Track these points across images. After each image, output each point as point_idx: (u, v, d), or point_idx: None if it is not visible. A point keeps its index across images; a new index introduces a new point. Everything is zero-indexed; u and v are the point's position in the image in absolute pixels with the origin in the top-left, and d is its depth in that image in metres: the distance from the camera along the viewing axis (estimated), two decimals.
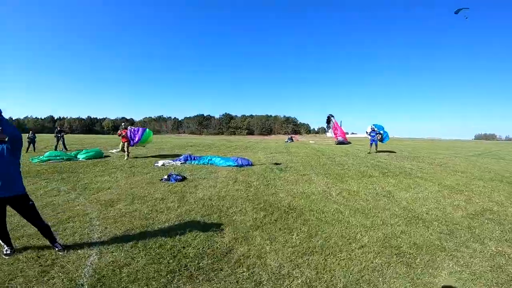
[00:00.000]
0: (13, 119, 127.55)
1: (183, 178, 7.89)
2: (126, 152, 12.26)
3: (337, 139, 28.50)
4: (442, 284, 2.93)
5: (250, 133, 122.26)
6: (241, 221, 4.54)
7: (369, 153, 16.69)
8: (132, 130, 12.80)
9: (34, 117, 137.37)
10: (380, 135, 17.25)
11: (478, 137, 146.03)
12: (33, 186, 6.88)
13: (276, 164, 10.76)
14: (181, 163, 10.80)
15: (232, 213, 4.96)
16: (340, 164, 11.22)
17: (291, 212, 5.03)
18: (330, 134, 32.09)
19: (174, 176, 7.76)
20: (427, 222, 4.81)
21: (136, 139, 12.59)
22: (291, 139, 33.22)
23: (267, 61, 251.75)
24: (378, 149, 17.87)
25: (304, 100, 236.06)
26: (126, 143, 12.35)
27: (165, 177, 7.80)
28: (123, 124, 13.24)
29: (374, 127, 17.28)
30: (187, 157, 11.33)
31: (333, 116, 30.74)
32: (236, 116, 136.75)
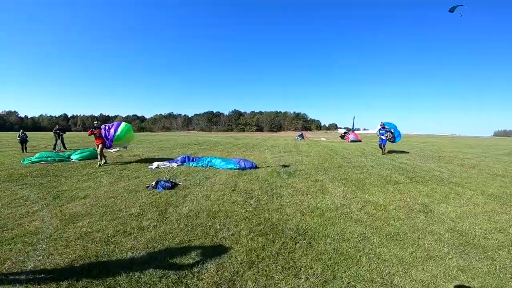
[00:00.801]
0: (28, 117, 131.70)
1: (173, 185, 6.77)
2: (101, 157, 10.04)
3: (348, 140, 27.40)
4: None
5: (260, 129, 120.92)
6: (230, 254, 3.33)
7: (383, 154, 14.31)
8: (106, 127, 10.75)
9: (48, 115, 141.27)
10: (391, 134, 14.34)
11: (497, 134, 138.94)
12: (1, 193, 5.97)
13: (284, 166, 9.48)
14: (177, 165, 9.72)
15: (221, 239, 3.76)
16: (358, 167, 9.81)
17: (300, 239, 3.77)
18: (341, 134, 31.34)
19: (162, 182, 6.64)
20: (490, 251, 3.49)
21: (111, 133, 10.49)
22: (301, 136, 31.76)
23: (277, 57, 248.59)
24: (386, 151, 14.85)
25: (315, 95, 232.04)
26: (101, 145, 10.00)
27: (153, 184, 6.70)
28: (95, 123, 11.04)
29: (384, 124, 14.60)
30: (185, 158, 10.22)
31: (347, 132, 33.03)
32: (245, 112, 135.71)
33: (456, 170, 9.87)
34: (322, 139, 32.86)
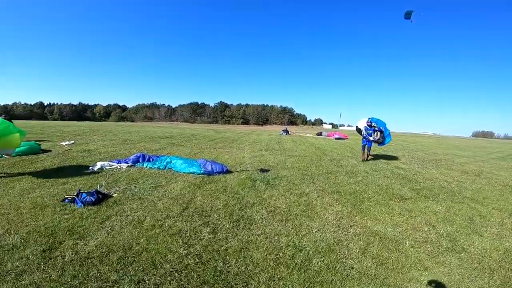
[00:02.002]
0: (1, 105, 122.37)
1: (102, 198, 4.83)
2: None
3: (333, 136, 26.12)
4: None
5: (245, 122, 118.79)
6: None
7: (364, 160, 10.78)
8: None
9: (23, 103, 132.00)
10: (379, 134, 10.69)
11: (476, 134, 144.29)
12: None
13: (263, 171, 7.65)
14: (127, 167, 7.68)
15: None
16: (351, 173, 8.15)
17: None
18: (324, 134, 29.97)
19: (83, 195, 4.66)
20: None
21: None
22: (286, 131, 30.08)
23: (265, 50, 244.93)
24: (369, 155, 11.35)
25: (301, 90, 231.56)
26: None
27: (73, 195, 4.73)
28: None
29: (372, 121, 10.77)
30: (139, 157, 8.17)
31: (322, 132, 32.96)
32: (231, 104, 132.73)
33: (463, 179, 8.46)
34: (307, 135, 31.42)
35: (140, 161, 8.08)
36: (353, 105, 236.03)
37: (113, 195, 5.28)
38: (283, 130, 30.71)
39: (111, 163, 7.86)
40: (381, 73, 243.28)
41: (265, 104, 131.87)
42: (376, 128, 10.74)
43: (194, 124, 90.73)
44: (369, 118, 10.94)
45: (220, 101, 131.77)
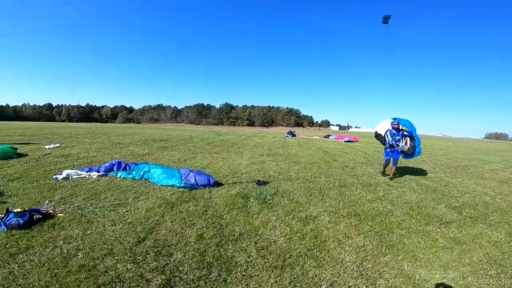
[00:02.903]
0: (10, 106, 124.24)
1: (40, 219, 3.59)
2: None
3: (343, 139, 24.51)
4: None
5: (251, 124, 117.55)
6: None
7: (387, 175, 7.81)
8: None
9: (32, 104, 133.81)
10: (410, 142, 7.50)
11: (489, 136, 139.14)
12: None
13: (260, 183, 6.20)
14: (98, 176, 6.38)
15: None
16: (369, 186, 6.64)
17: None
18: (333, 137, 28.19)
19: (11, 216, 3.41)
20: None
21: None
22: (292, 134, 28.53)
23: (271, 51, 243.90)
24: (396, 170, 7.89)
25: (308, 91, 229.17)
26: None
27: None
28: None
29: (400, 123, 7.59)
30: (114, 165, 6.86)
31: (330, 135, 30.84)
32: (237, 106, 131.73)
33: (505, 191, 6.89)
34: (315, 137, 29.78)
35: (115, 169, 6.77)
36: (360, 106, 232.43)
37: (59, 214, 4.03)
38: (288, 133, 29.24)
39: (79, 172, 6.56)
40: (388, 73, 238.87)
41: (271, 106, 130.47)
42: (406, 133, 7.44)
43: (199, 126, 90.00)
44: (394, 119, 7.64)
45: (226, 103, 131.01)
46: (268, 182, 6.26)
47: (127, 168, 6.93)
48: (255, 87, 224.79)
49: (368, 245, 3.62)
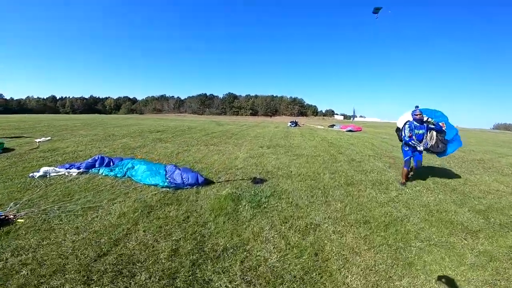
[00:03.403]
0: (14, 99, 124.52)
1: None
2: None
3: (345, 129, 23.59)
4: None
5: (254, 113, 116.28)
6: None
7: (404, 183, 5.94)
8: None
9: (36, 97, 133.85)
10: (437, 136, 5.88)
11: (498, 127, 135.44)
12: None
13: (256, 181, 5.50)
14: (78, 173, 5.78)
15: None
16: (380, 184, 5.89)
17: None
18: (337, 127, 26.95)
19: None
20: None
21: None
22: (295, 123, 27.61)
23: (274, 40, 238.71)
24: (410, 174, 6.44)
25: (312, 80, 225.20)
26: None
27: None
28: None
29: (423, 113, 5.82)
30: (96, 161, 6.24)
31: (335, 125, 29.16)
32: (240, 96, 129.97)
33: None
34: (318, 127, 28.81)
35: (97, 165, 6.16)
36: (365, 96, 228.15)
37: (19, 220, 3.48)
38: (291, 122, 28.29)
39: (58, 169, 5.96)
40: (393, 62, 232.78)
41: (274, 95, 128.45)
42: (432, 125, 5.77)
43: (202, 116, 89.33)
44: (416, 107, 5.90)
45: (229, 92, 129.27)
46: (265, 180, 5.56)
47: (111, 164, 6.32)
48: (258, 76, 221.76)
49: (381, 264, 2.94)
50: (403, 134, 5.89)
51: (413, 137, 5.80)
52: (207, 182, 5.23)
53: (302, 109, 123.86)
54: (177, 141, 10.94)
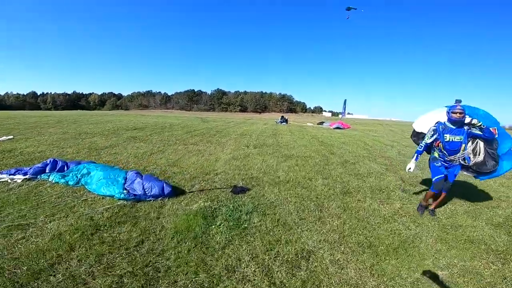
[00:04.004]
0: None
1: None
2: None
3: (333, 126, 23.01)
4: None
5: (243, 110, 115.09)
6: None
7: (428, 208, 4.21)
8: None
9: (15, 93, 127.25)
10: (481, 146, 4.06)
11: None
12: None
13: (237, 190, 4.61)
14: (24, 180, 4.75)
15: None
16: (380, 191, 5.12)
17: None
18: (327, 124, 26.04)
19: None
20: None
21: None
22: (284, 120, 26.78)
23: (263, 37, 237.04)
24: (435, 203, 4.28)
25: (301, 77, 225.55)
26: None
27: None
28: None
29: (465, 111, 3.74)
30: (47, 165, 5.18)
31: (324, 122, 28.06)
32: (229, 92, 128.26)
33: None
34: (308, 124, 28.19)
35: (47, 170, 5.10)
36: (353, 93, 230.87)
37: None
38: (280, 119, 27.33)
39: (0, 175, 4.91)
40: (382, 59, 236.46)
41: (264, 92, 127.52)
42: (478, 131, 3.72)
43: (188, 112, 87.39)
44: (457, 101, 3.93)
45: (217, 88, 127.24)
46: (248, 189, 4.67)
47: (65, 168, 5.27)
48: (247, 73, 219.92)
49: None
50: (425, 142, 3.94)
51: (441, 146, 3.87)
52: (176, 192, 4.31)
53: (291, 106, 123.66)
54: (153, 140, 9.89)
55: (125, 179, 4.36)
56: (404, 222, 3.84)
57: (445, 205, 4.58)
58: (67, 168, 5.29)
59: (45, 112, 35.74)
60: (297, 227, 3.42)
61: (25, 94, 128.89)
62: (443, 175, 3.96)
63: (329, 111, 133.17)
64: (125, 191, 4.05)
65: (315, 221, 3.63)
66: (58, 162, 5.39)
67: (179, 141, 9.78)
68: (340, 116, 45.17)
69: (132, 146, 8.56)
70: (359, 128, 25.30)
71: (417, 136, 4.72)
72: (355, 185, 5.31)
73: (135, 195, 3.99)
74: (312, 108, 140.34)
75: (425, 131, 4.24)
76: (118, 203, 3.88)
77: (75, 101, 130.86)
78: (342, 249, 3.05)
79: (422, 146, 4.03)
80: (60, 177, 4.84)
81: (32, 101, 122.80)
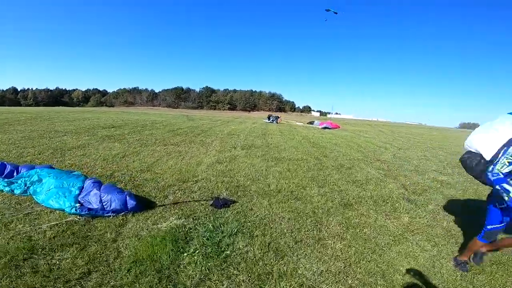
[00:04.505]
0: None
1: None
2: None
3: (321, 125, 22.61)
4: None
5: (233, 108, 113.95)
6: None
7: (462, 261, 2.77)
8: None
9: None
10: None
11: (464, 126, 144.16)
12: None
13: (219, 203, 3.86)
14: None
15: None
16: (384, 202, 4.50)
17: None
18: (317, 123, 25.26)
19: None
20: None
21: None
22: (274, 118, 25.66)
23: (253, 35, 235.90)
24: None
25: (290, 76, 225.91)
26: None
27: None
28: None
29: None
30: None
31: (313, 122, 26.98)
32: (218, 90, 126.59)
33: None
34: (298, 123, 27.67)
35: None
36: (341, 93, 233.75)
37: None
38: (271, 117, 25.96)
39: None
40: (369, 60, 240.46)
41: (253, 90, 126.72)
42: None
43: (175, 110, 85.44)
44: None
45: (206, 86, 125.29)
46: (233, 202, 3.93)
47: (14, 174, 4.37)
48: (236, 71, 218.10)
49: None
50: (498, 170, 2.23)
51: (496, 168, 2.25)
52: (144, 205, 3.52)
53: (281, 105, 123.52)
54: (130, 140, 8.96)
55: (81, 189, 3.53)
56: (418, 241, 3.23)
57: (457, 216, 4.03)
58: (17, 173, 4.39)
59: (22, 108, 33.38)
60: (293, 254, 2.73)
61: (4, 90, 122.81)
62: (503, 224, 2.52)
63: (318, 111, 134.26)
64: (77, 204, 3.24)
65: (313, 244, 2.95)
66: (7, 166, 4.48)
67: (159, 141, 8.90)
68: (329, 116, 44.81)
69: (105, 146, 7.63)
70: (349, 128, 25.01)
71: (469, 165, 2.68)
72: (355, 195, 4.68)
73: (90, 209, 3.20)
74: (301, 108, 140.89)
75: (484, 152, 2.52)
76: (69, 218, 3.08)
77: (58, 97, 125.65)
78: (350, 282, 2.39)
79: (497, 177, 2.24)
80: (5, 184, 3.95)
81: (11, 97, 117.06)
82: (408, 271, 2.61)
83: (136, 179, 4.79)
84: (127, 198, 3.28)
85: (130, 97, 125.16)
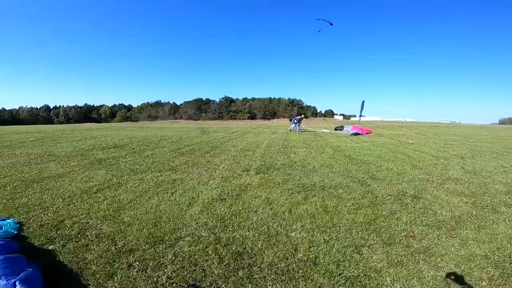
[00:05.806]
0: (6, 109, 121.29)
1: None
2: None
3: (351, 130, 19.76)
4: None
5: (252, 117, 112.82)
6: None
7: None
8: None
9: (29, 106, 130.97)
10: None
11: (504, 122, 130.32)
12: None
13: None
14: None
15: None
16: (497, 267, 2.33)
17: None
18: (347, 128, 21.41)
19: None
20: None
21: None
22: (297, 121, 21.41)
23: (269, 41, 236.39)
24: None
25: (309, 80, 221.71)
26: None
27: None
28: None
29: None
30: None
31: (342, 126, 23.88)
32: (237, 99, 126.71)
33: None
34: (324, 130, 24.93)
35: None
36: (363, 95, 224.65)
37: None
38: (295, 120, 21.82)
39: None
40: (391, 60, 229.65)
41: (272, 97, 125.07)
42: None
43: (196, 122, 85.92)
44: None
45: (225, 96, 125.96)
46: None
47: None
48: (254, 79, 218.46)
49: None
50: None
51: None
52: None
53: (302, 110, 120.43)
54: (122, 164, 7.37)
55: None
56: None
57: None
58: None
59: (41, 127, 34.13)
60: None
61: (38, 107, 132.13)
62: None
63: (341, 114, 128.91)
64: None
65: None
66: None
67: (155, 165, 7.19)
68: (360, 119, 40.54)
69: (86, 175, 6.05)
70: (384, 132, 21.87)
71: None
72: (458, 259, 2.47)
73: None
74: (323, 112, 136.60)
75: None
76: None
77: (87, 114, 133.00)
78: None
79: None
80: None
81: (45, 115, 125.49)
82: None
83: (86, 234, 3.01)
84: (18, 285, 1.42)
85: (153, 110, 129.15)
